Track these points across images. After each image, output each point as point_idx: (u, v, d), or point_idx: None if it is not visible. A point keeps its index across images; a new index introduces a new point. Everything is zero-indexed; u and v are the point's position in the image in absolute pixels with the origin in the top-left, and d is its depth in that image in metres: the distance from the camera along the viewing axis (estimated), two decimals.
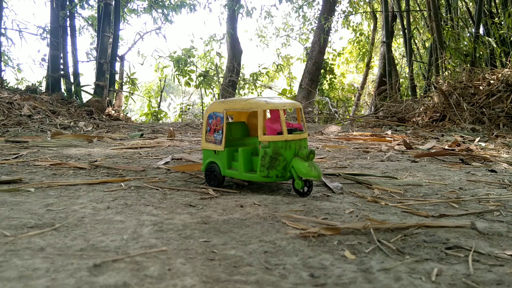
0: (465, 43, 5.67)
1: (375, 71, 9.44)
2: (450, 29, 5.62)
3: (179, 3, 7.80)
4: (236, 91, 7.92)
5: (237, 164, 1.07)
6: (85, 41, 24.50)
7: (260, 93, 8.88)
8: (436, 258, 0.60)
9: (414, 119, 4.32)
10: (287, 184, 1.17)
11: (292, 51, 52.06)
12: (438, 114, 4.18)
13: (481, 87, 4.16)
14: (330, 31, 7.42)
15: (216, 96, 7.91)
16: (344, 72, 11.00)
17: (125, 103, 6.96)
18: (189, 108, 8.41)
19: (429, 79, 5.48)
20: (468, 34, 5.99)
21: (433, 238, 0.69)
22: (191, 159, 1.65)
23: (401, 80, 7.33)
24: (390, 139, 2.77)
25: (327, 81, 8.73)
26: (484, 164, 1.76)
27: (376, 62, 9.64)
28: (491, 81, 4.18)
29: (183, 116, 7.74)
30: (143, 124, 4.60)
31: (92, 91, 4.86)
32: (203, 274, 0.52)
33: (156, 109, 7.76)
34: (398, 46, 9.88)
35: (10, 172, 1.31)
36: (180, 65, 7.49)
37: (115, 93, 5.36)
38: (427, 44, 7.15)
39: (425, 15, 6.49)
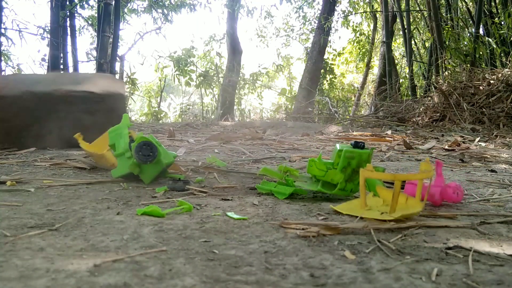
0: (465, 43, 5.66)
1: (375, 71, 9.44)
2: (450, 29, 5.62)
3: (179, 3, 7.80)
4: (236, 91, 7.92)
5: None
6: (85, 41, 24.49)
7: (260, 93, 8.89)
8: (436, 258, 0.60)
9: (414, 119, 4.32)
10: None
11: (292, 51, 52.05)
12: (438, 114, 4.18)
13: (481, 87, 4.16)
14: (330, 31, 7.42)
15: (216, 96, 7.91)
16: (344, 72, 11.00)
17: (125, 103, 6.95)
18: (189, 108, 8.41)
19: (429, 79, 5.48)
20: (468, 34, 5.99)
21: (433, 238, 0.69)
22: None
23: (401, 80, 7.33)
24: (390, 139, 2.77)
25: (327, 81, 8.73)
26: (484, 164, 1.76)
27: (376, 62, 9.64)
28: (491, 81, 4.18)
29: (183, 116, 7.74)
30: (143, 124, 4.60)
31: None
32: (203, 274, 0.52)
33: (156, 109, 7.75)
34: (398, 46, 9.88)
35: (10, 172, 1.31)
36: (180, 65, 7.48)
37: None
38: (427, 44, 7.15)
39: (425, 15, 6.49)
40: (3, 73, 4.61)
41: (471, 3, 6.54)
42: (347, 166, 0.97)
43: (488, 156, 1.95)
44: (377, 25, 9.28)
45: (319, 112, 6.74)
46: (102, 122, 2.01)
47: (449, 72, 5.14)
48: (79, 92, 1.96)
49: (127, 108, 6.89)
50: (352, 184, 0.98)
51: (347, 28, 9.65)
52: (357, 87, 10.18)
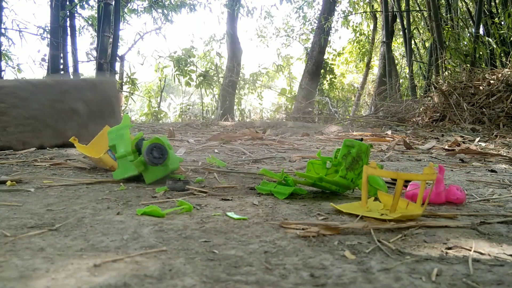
0: (465, 43, 5.67)
1: (375, 71, 9.44)
2: (450, 29, 5.62)
3: (179, 3, 7.80)
4: (236, 91, 7.92)
5: None
6: (85, 41, 24.53)
7: (260, 93, 8.89)
8: (436, 258, 0.60)
9: (414, 119, 4.32)
10: None
11: (292, 51, 52.05)
12: (438, 114, 4.18)
13: (481, 87, 4.16)
14: (330, 31, 7.42)
15: (216, 96, 7.90)
16: (344, 72, 11.00)
17: (125, 103, 6.96)
18: (189, 108, 8.40)
19: (429, 79, 5.48)
20: (468, 34, 5.99)
21: (433, 238, 0.69)
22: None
23: (401, 80, 7.33)
24: (390, 139, 2.77)
25: (327, 81, 8.73)
26: (484, 164, 1.76)
27: (376, 62, 9.64)
28: (491, 81, 4.18)
29: (183, 116, 7.74)
30: (143, 124, 4.60)
31: None
32: (203, 274, 0.52)
33: (156, 109, 7.75)
34: (398, 46, 9.88)
35: (10, 172, 1.31)
36: (180, 65, 7.48)
37: None
38: (427, 44, 7.15)
39: (425, 15, 6.49)
40: (2, 73, 4.61)
41: (471, 3, 6.54)
42: (347, 154, 1.00)
43: (489, 156, 1.95)
44: (377, 25, 9.28)
45: (319, 112, 6.74)
46: (96, 111, 2.09)
47: (449, 72, 5.15)
48: (71, 80, 2.11)
49: (125, 108, 6.88)
50: (353, 174, 0.99)
51: (347, 28, 9.66)
52: (357, 87, 10.18)
